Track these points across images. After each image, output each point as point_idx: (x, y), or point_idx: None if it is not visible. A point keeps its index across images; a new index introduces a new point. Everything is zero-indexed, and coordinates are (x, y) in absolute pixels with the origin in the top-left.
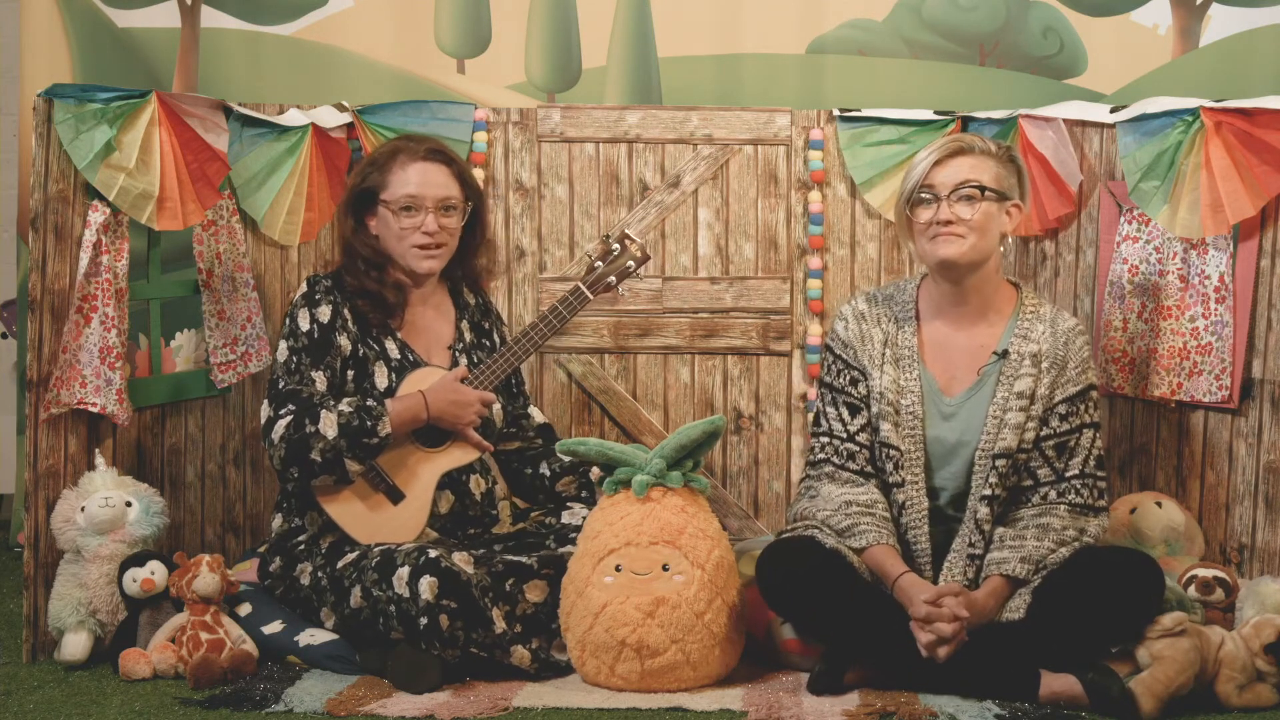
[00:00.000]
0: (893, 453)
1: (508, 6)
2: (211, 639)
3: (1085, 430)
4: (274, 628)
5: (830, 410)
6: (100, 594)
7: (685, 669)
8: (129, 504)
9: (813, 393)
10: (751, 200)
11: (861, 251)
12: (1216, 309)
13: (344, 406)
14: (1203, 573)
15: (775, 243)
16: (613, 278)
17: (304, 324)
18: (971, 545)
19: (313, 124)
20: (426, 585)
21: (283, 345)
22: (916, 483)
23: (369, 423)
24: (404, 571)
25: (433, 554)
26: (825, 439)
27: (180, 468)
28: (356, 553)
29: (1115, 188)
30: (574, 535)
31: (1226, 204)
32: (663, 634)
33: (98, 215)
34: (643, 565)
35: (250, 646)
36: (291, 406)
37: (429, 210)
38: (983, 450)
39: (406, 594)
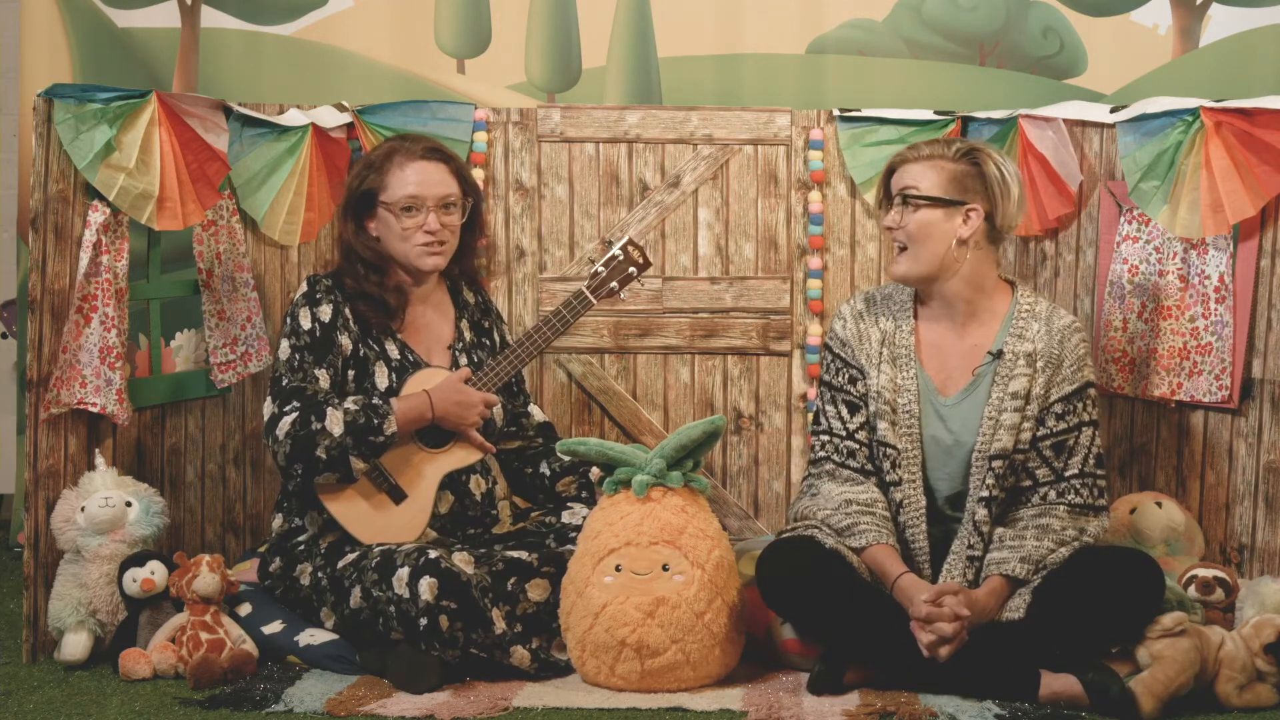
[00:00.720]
0: (890, 451)
1: (508, 6)
2: (211, 639)
3: (1084, 429)
4: (274, 628)
5: (829, 409)
6: (100, 594)
7: (685, 669)
8: (129, 504)
9: (813, 392)
10: (751, 200)
11: (861, 251)
12: (1216, 309)
13: (350, 404)
14: (1203, 573)
15: (775, 243)
16: (615, 283)
17: (305, 322)
18: (970, 547)
19: (313, 124)
20: (426, 586)
21: (284, 343)
22: (914, 481)
23: (375, 421)
24: (404, 572)
25: (432, 555)
26: (825, 437)
27: (180, 468)
28: (356, 553)
29: (1115, 188)
30: (574, 535)
31: (1226, 204)
32: (663, 634)
33: (98, 215)
34: (643, 565)
35: (250, 646)
36: (296, 403)
37: (430, 209)
38: (979, 452)
39: (406, 594)
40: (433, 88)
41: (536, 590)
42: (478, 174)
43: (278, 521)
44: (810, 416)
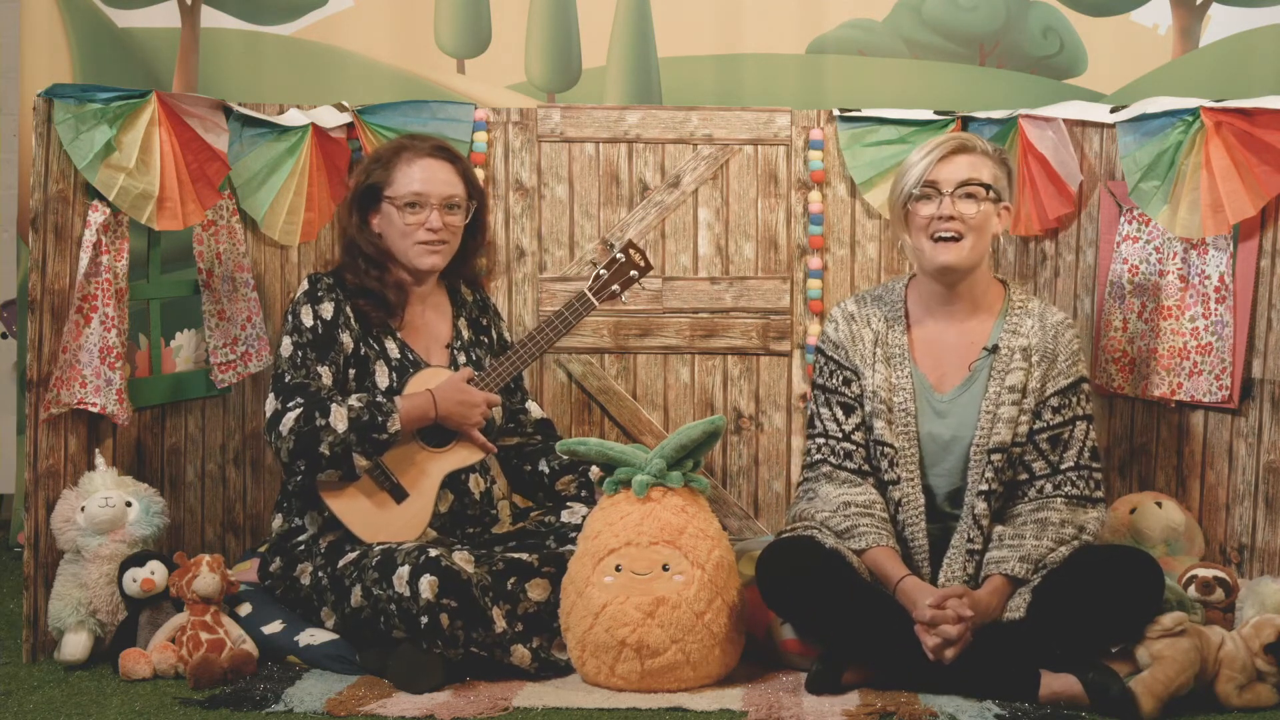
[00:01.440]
0: (887, 450)
1: (508, 6)
2: (211, 639)
3: (1079, 422)
4: (274, 628)
5: (824, 411)
6: (100, 594)
7: (685, 669)
8: (129, 504)
9: (810, 393)
10: (751, 200)
11: (861, 251)
12: (1216, 309)
13: (354, 401)
14: (1203, 573)
15: (775, 243)
16: (617, 286)
17: (307, 320)
18: (970, 541)
19: (313, 124)
20: (427, 584)
21: (286, 340)
22: (912, 479)
23: (379, 418)
24: (404, 571)
25: (433, 553)
26: (821, 440)
27: (180, 468)
28: (357, 552)
29: (1115, 188)
30: (574, 535)
31: (1226, 204)
32: (663, 634)
33: (98, 215)
34: (643, 565)
35: (250, 646)
36: (300, 399)
37: (434, 207)
38: (977, 445)
39: (407, 593)
40: (433, 88)
41: (537, 590)
42: (478, 174)
43: (278, 522)
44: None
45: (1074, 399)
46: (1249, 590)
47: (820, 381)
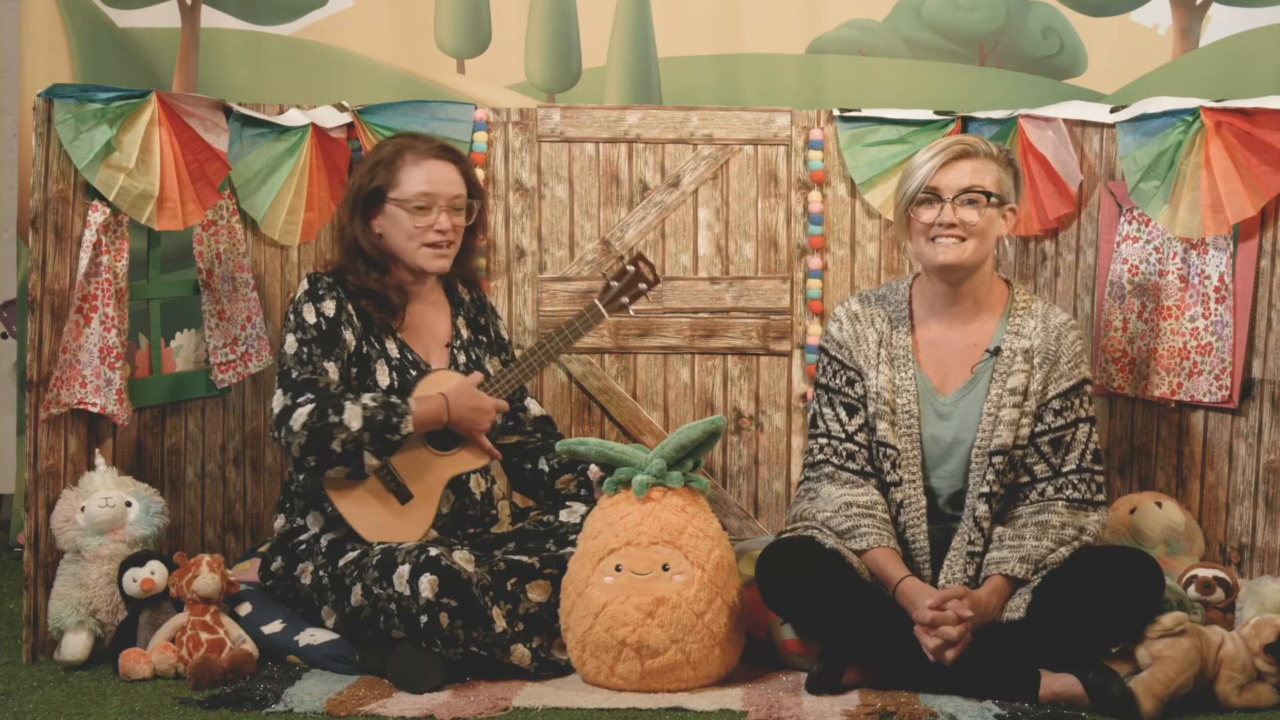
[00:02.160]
0: (890, 451)
1: (508, 6)
2: (211, 639)
3: (1081, 425)
4: (274, 628)
5: (827, 411)
6: (100, 594)
7: (685, 669)
8: (129, 504)
9: (812, 393)
10: (751, 200)
11: (861, 251)
12: (1216, 309)
13: (368, 400)
14: (1203, 573)
15: (775, 243)
16: (626, 298)
17: (310, 317)
18: (971, 543)
19: (313, 124)
20: (427, 583)
21: (290, 338)
22: (914, 481)
23: (393, 419)
24: (404, 570)
25: (433, 552)
26: (824, 440)
27: (180, 468)
28: (357, 551)
29: (1115, 188)
30: (573, 536)
31: (1226, 204)
32: (663, 634)
33: (98, 215)
34: (643, 565)
35: (250, 646)
36: (311, 395)
37: (441, 209)
38: (979, 448)
39: (407, 592)
40: (433, 88)
41: (537, 591)
42: (478, 174)
43: (280, 522)
44: (808, 417)
45: (1076, 401)
46: (1249, 590)
47: (823, 381)
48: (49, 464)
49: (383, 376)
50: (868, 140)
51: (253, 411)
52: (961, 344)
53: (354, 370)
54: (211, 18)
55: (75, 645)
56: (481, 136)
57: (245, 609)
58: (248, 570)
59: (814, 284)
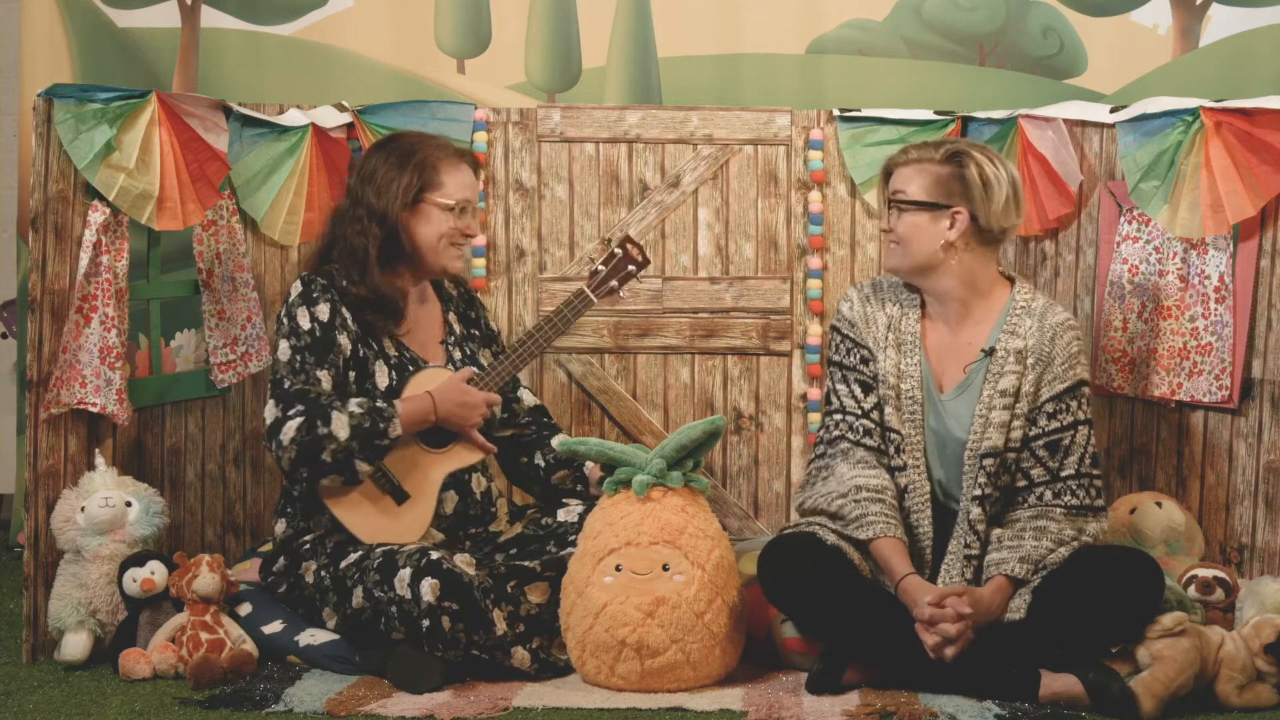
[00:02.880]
0: (894, 436)
1: (508, 6)
2: (211, 639)
3: (1078, 428)
4: (274, 628)
5: (841, 387)
6: (100, 594)
7: (685, 669)
8: (129, 504)
9: (813, 393)
10: (751, 200)
11: (861, 251)
12: (1216, 309)
13: (354, 407)
14: (1203, 573)
15: (775, 243)
16: (615, 282)
17: (304, 323)
18: (967, 546)
19: (313, 124)
20: (428, 587)
21: (284, 344)
22: (918, 467)
23: (380, 424)
24: (405, 573)
25: (434, 556)
26: (839, 416)
27: (180, 468)
28: (359, 553)
29: (1115, 188)
30: (573, 537)
31: (1226, 204)
32: (663, 634)
33: (98, 215)
34: (643, 565)
35: (250, 646)
36: (300, 407)
37: (470, 212)
38: (970, 450)
39: (408, 595)
40: (433, 88)
41: (537, 592)
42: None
43: (280, 526)
44: (809, 416)
45: (1072, 404)
46: (1249, 590)
47: (837, 359)
48: (49, 464)
49: (382, 377)
50: (868, 140)
51: (253, 411)
52: (958, 343)
53: (353, 374)
54: (211, 18)
55: (75, 645)
56: (481, 136)
57: (245, 609)
58: (248, 570)
59: (814, 284)
